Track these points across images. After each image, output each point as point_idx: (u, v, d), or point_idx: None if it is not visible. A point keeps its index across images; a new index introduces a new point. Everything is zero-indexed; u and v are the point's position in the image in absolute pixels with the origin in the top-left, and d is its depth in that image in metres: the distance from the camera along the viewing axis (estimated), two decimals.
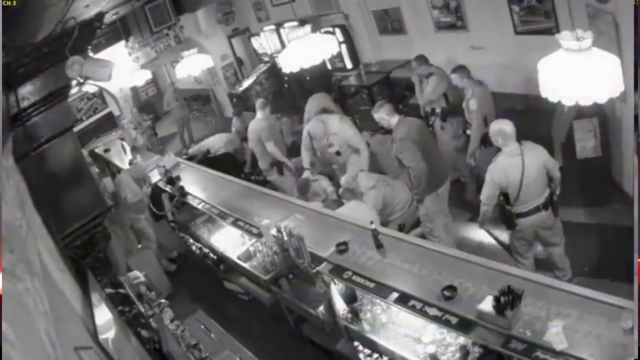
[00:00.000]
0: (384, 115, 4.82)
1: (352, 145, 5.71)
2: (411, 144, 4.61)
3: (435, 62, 6.17)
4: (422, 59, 6.08)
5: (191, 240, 5.98)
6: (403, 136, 4.66)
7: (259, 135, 6.43)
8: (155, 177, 6.42)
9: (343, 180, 5.15)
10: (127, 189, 6.16)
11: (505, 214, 4.19)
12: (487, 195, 4.12)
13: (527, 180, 3.94)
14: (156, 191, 6.41)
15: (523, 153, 3.93)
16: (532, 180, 3.95)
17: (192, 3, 10.15)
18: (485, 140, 5.02)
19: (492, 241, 4.74)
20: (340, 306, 3.69)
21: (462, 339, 3.02)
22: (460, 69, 5.52)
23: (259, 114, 6.54)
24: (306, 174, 5.90)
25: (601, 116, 4.87)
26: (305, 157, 6.02)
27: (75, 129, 3.69)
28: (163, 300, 4.33)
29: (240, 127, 8.62)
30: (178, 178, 5.95)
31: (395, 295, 3.16)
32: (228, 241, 5.23)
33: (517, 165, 3.93)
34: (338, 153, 5.78)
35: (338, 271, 3.53)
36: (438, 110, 5.98)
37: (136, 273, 4.58)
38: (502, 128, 4.00)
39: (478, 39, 6.71)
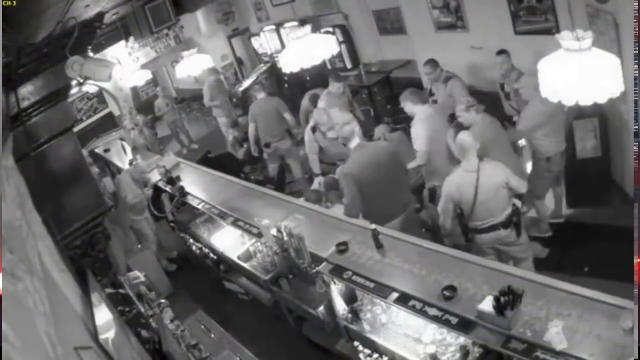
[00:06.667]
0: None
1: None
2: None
3: None
4: (435, 63, 5.99)
5: (191, 240, 5.98)
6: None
7: (277, 108, 6.97)
8: (155, 177, 6.42)
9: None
10: (127, 190, 6.16)
11: (463, 226, 4.10)
12: (442, 209, 4.05)
13: (480, 199, 3.82)
14: (157, 193, 6.40)
15: (479, 170, 3.80)
16: (486, 199, 3.83)
17: (192, 3, 10.16)
18: None
19: None
20: (340, 306, 3.69)
21: (462, 339, 3.02)
22: (507, 51, 5.35)
23: (262, 95, 7.21)
24: (318, 180, 5.79)
25: (601, 116, 4.87)
26: (315, 162, 5.98)
27: (75, 129, 3.69)
28: (163, 300, 4.33)
29: (242, 124, 8.64)
30: (178, 178, 5.95)
31: (395, 295, 3.17)
32: (228, 241, 5.22)
33: (471, 182, 3.81)
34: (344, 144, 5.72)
35: (338, 271, 3.52)
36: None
37: (136, 273, 4.59)
38: (461, 139, 3.87)
39: (478, 39, 6.70)
